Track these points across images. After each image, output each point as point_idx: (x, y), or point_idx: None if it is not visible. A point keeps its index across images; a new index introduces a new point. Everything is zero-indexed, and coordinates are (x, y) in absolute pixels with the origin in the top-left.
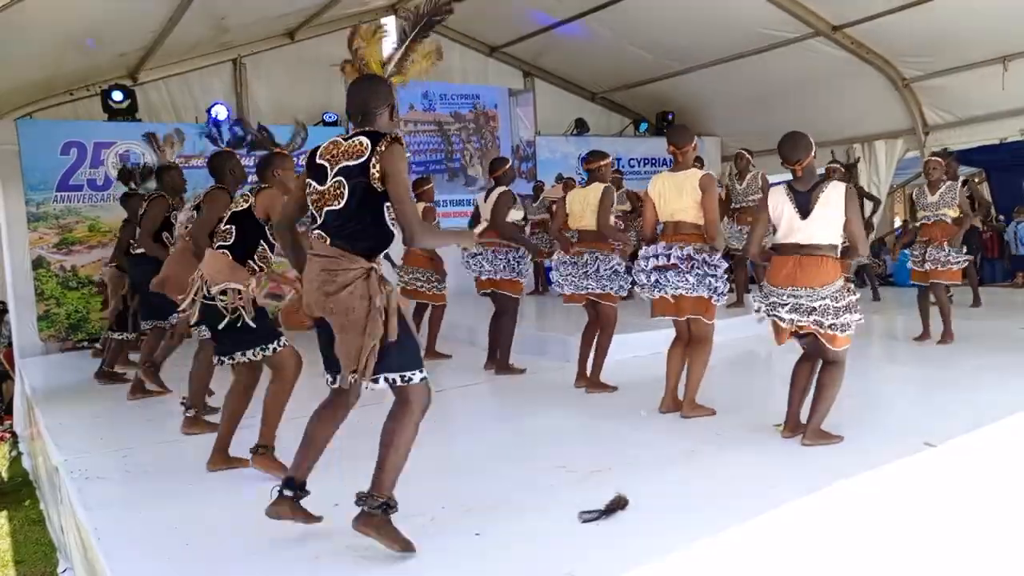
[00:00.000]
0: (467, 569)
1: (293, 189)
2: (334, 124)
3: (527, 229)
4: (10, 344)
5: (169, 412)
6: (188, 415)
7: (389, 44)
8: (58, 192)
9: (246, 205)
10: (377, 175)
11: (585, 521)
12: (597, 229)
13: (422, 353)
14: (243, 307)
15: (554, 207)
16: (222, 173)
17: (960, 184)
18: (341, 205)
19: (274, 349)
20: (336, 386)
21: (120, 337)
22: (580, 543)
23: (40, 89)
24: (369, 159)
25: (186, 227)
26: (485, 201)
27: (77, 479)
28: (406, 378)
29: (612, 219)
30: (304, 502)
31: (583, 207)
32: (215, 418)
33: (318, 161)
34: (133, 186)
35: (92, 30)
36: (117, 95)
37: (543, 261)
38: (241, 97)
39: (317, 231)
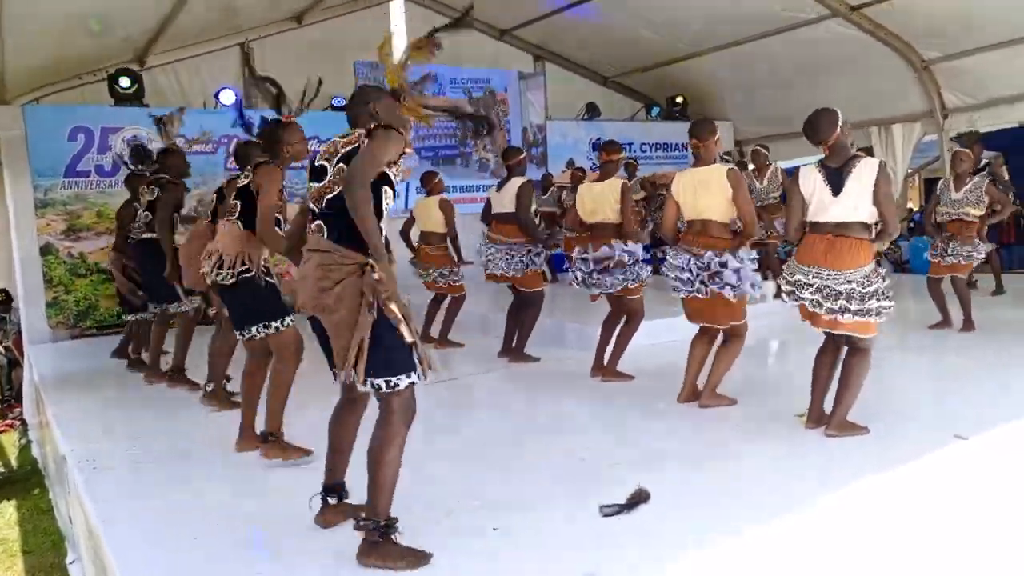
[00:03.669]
0: (484, 567)
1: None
2: (343, 109)
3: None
4: (19, 331)
5: (178, 400)
6: (208, 388)
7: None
8: (65, 178)
9: (246, 181)
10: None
11: (606, 515)
12: (618, 225)
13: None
14: (257, 277)
15: (563, 196)
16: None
17: (987, 180)
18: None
19: (276, 328)
20: (342, 383)
21: (136, 318)
22: (599, 540)
23: (47, 74)
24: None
25: (196, 211)
26: (499, 192)
27: (85, 469)
28: (391, 384)
29: None
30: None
31: (599, 202)
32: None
33: (317, 164)
34: (140, 167)
35: (98, 13)
36: (124, 80)
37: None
38: (249, 82)
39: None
